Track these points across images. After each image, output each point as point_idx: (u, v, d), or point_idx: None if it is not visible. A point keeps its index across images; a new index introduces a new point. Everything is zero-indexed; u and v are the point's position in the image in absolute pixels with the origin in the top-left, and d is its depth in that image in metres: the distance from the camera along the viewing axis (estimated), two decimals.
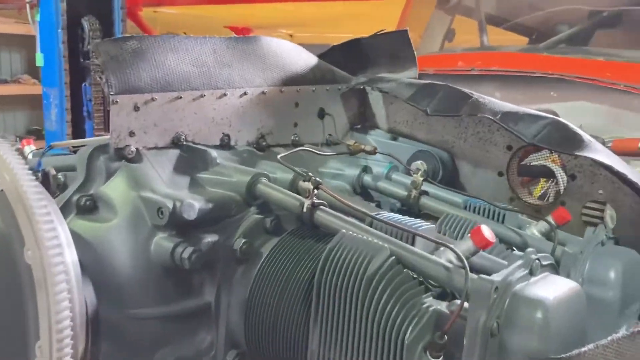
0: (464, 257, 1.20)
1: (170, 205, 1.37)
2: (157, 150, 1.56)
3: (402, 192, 1.80)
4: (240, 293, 1.46)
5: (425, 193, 1.77)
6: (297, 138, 1.97)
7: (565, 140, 1.61)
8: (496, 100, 1.82)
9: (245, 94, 1.78)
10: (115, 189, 1.44)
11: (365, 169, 1.90)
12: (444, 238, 1.37)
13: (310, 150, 1.77)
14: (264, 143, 1.84)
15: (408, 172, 1.97)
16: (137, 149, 1.51)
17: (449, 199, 1.77)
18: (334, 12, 7.64)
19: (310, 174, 1.42)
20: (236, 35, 1.81)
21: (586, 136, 1.61)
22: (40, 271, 1.09)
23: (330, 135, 2.10)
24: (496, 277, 1.06)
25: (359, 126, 2.24)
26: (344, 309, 1.21)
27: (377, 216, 1.36)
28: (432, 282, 1.24)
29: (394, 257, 1.22)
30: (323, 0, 7.58)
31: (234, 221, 1.50)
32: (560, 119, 1.67)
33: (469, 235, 1.21)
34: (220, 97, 1.71)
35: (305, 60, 2.02)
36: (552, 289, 1.10)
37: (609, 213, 1.76)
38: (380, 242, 1.24)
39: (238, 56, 1.79)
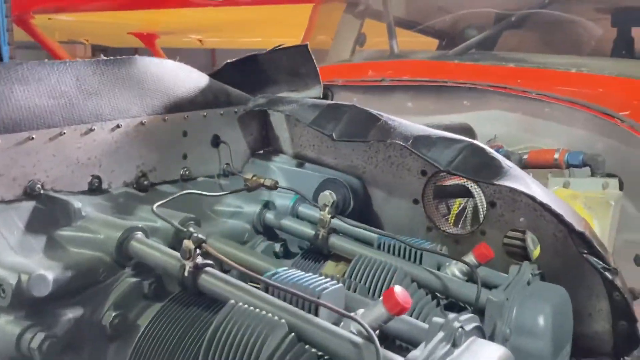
0: (373, 329, 1.00)
1: (13, 280, 1.09)
2: (3, 204, 1.27)
3: (309, 231, 1.59)
4: None
5: (334, 231, 1.56)
6: (187, 172, 1.71)
7: (482, 167, 1.45)
8: (407, 122, 1.65)
9: (118, 126, 1.51)
10: None
11: (267, 205, 1.68)
12: (356, 299, 1.17)
13: (195, 193, 1.52)
14: (146, 182, 1.58)
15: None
16: None
17: (360, 236, 1.58)
18: (243, 17, 7.39)
19: (191, 228, 1.17)
20: (105, 58, 1.52)
21: (505, 161, 1.46)
22: None
23: (227, 164, 1.86)
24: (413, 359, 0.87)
25: (261, 152, 2.01)
26: None
27: (274, 277, 1.14)
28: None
29: (293, 334, 1.00)
30: (232, 4, 7.31)
31: (103, 288, 1.24)
32: (475, 142, 1.52)
33: (381, 299, 1.02)
34: (85, 133, 1.43)
35: (194, 81, 1.77)
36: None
37: (531, 241, 1.63)
38: (277, 315, 1.02)
39: (108, 82, 1.51)
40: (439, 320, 0.98)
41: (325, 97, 2.05)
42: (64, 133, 1.38)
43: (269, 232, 1.69)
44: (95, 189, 1.45)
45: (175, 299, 1.23)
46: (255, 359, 0.98)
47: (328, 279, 1.16)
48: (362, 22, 3.97)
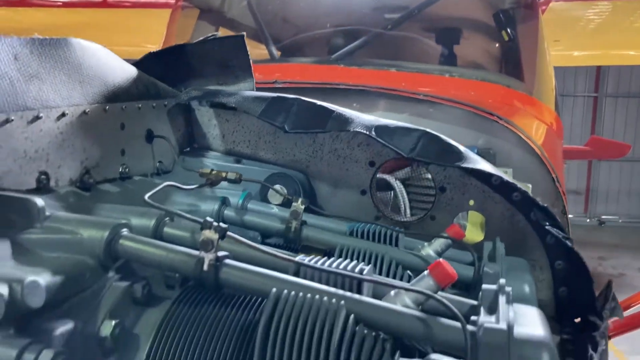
0: (419, 304, 1.01)
1: (4, 290, 0.88)
2: None
3: (278, 225, 1.52)
4: None
5: (305, 223, 1.52)
6: (126, 169, 1.54)
7: (443, 152, 1.53)
8: (358, 112, 1.67)
9: (63, 115, 1.30)
10: None
11: (225, 201, 1.57)
12: (398, 282, 1.15)
13: (176, 186, 1.37)
14: (90, 180, 1.39)
15: (266, 199, 1.70)
16: None
17: (331, 227, 1.56)
18: (96, 20, 6.78)
19: (208, 218, 1.05)
20: (40, 37, 1.31)
21: (460, 146, 1.56)
22: None
23: (160, 162, 1.71)
24: (503, 325, 0.88)
25: (188, 149, 1.88)
26: None
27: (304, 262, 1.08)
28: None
29: (352, 316, 0.95)
30: (81, 6, 6.70)
31: (90, 295, 1.06)
32: (430, 130, 1.59)
33: (427, 272, 1.02)
34: (32, 120, 1.22)
35: (127, 70, 1.60)
36: (538, 324, 0.96)
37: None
38: (329, 299, 0.97)
39: (48, 64, 1.30)
40: (490, 286, 1.01)
41: None
42: (12, 120, 1.16)
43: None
44: (42, 187, 1.24)
45: (182, 301, 1.09)
46: (326, 350, 0.91)
47: (347, 261, 1.12)
48: (217, 29, 3.92)
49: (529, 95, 3.23)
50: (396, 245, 1.48)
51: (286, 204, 1.65)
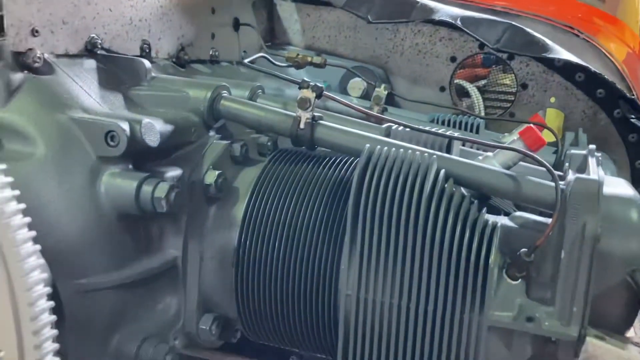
0: (508, 167, 1.04)
1: (126, 127, 0.97)
2: (68, 58, 1.11)
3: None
4: (217, 241, 1.11)
5: (386, 109, 1.55)
6: (216, 53, 1.60)
7: (527, 43, 1.52)
8: (439, 3, 1.66)
9: None
10: (26, 111, 0.98)
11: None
12: (489, 141, 1.16)
13: (268, 59, 1.43)
14: (186, 56, 1.45)
15: (345, 92, 1.74)
16: (43, 55, 1.05)
17: (412, 117, 1.59)
18: None
19: (304, 78, 1.10)
20: None
21: (546, 39, 1.54)
22: None
23: (245, 52, 1.77)
24: (594, 176, 0.91)
25: (269, 44, 1.92)
26: (393, 235, 0.96)
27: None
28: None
29: (443, 170, 1.00)
30: None
31: (196, 149, 1.14)
32: (515, 23, 1.58)
33: (518, 136, 1.04)
34: None
35: None
36: (627, 187, 0.98)
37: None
38: (421, 154, 1.01)
39: None
40: (579, 150, 1.03)
41: None
42: None
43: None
44: (145, 55, 1.31)
45: (277, 159, 1.16)
46: (419, 196, 0.95)
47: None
48: None
49: (612, 14, 3.09)
50: (477, 134, 1.50)
51: (364, 98, 1.68)
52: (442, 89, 1.78)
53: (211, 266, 1.12)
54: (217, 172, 1.10)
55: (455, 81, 1.76)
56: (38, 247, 0.71)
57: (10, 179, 0.70)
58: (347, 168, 1.13)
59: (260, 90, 1.33)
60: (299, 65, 1.58)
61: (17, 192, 0.70)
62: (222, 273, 1.11)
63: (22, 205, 0.70)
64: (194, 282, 1.12)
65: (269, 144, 1.28)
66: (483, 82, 1.90)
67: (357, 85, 1.69)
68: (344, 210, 1.05)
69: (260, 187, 1.11)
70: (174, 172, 1.08)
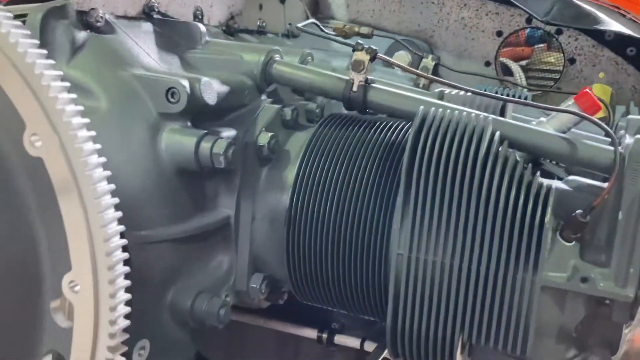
0: (563, 132, 1.03)
1: (186, 84, 0.99)
2: (127, 20, 1.14)
3: (407, 81, 1.56)
4: (268, 202, 1.13)
5: (432, 81, 1.55)
6: (263, 24, 1.62)
7: (577, 16, 1.50)
8: None
9: None
10: (89, 68, 1.01)
11: None
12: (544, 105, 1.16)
13: (318, 25, 1.44)
14: (235, 25, 1.47)
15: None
16: (105, 15, 1.07)
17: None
18: None
19: (359, 41, 1.11)
20: None
21: (597, 12, 1.52)
22: (64, 166, 0.68)
23: (290, 24, 1.78)
24: None
25: (313, 19, 1.93)
26: (447, 196, 0.97)
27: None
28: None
29: (499, 132, 1.00)
30: None
31: (249, 112, 1.16)
32: None
33: (573, 101, 1.04)
34: None
35: None
36: None
37: None
38: (476, 116, 1.01)
39: None
40: (636, 117, 1.02)
41: None
42: None
43: None
44: (197, 21, 1.33)
45: (327, 124, 1.17)
46: (474, 156, 0.96)
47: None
48: None
49: None
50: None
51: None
52: (488, 63, 1.77)
53: (262, 226, 1.14)
54: (269, 134, 1.12)
55: (499, 59, 1.74)
56: (112, 186, 0.74)
57: (87, 120, 0.73)
58: (398, 132, 1.13)
59: (310, 57, 1.34)
60: (346, 36, 1.59)
61: (93, 133, 0.73)
62: (273, 234, 1.13)
63: (98, 146, 0.73)
64: (245, 241, 1.14)
65: (317, 110, 1.29)
66: (525, 61, 1.88)
67: (402, 58, 1.69)
68: (396, 173, 1.06)
69: (312, 149, 1.13)
70: (228, 132, 1.10)
